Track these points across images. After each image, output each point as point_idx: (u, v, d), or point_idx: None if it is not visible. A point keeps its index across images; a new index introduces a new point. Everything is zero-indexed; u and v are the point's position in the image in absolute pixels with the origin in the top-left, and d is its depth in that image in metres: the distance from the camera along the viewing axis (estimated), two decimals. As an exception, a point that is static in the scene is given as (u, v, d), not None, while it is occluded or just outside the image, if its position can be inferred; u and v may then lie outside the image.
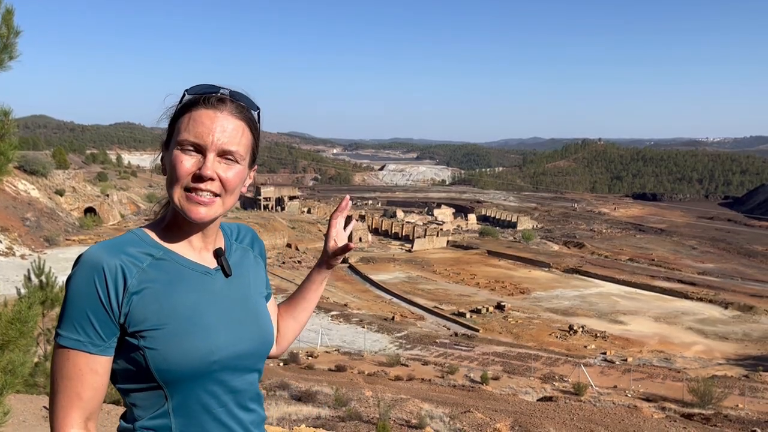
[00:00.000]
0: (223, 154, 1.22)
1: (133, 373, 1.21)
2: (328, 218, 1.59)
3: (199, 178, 1.19)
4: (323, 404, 14.81)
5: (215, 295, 1.28)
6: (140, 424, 1.22)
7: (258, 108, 1.31)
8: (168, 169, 1.23)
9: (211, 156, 1.20)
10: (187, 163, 1.20)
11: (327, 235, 1.56)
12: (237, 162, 1.24)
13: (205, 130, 1.20)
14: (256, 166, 1.35)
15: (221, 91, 1.25)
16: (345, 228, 1.58)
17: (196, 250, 1.30)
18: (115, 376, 1.24)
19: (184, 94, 1.26)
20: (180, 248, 1.29)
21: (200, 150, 1.20)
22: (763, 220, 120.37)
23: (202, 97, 1.23)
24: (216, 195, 1.22)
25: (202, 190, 1.20)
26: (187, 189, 1.20)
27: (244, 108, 1.27)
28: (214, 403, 1.25)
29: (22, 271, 8.62)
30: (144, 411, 1.22)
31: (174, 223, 1.28)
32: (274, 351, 1.53)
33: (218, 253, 1.33)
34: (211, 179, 1.20)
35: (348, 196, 1.60)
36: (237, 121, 1.24)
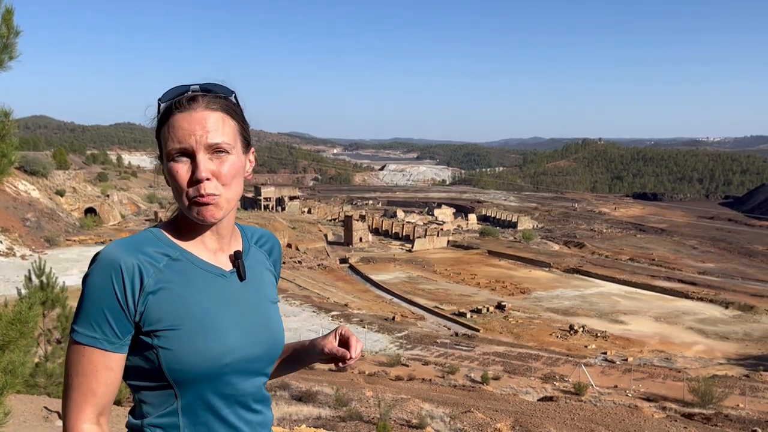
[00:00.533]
0: (212, 149, 1.21)
1: (145, 371, 1.22)
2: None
3: (196, 181, 1.19)
4: (324, 404, 14.82)
5: (229, 298, 1.29)
6: (148, 421, 1.24)
7: (233, 91, 1.29)
8: (169, 182, 1.24)
9: (200, 156, 1.20)
10: (182, 171, 1.20)
11: (333, 332, 1.46)
12: (228, 152, 1.23)
13: (185, 133, 1.19)
14: (253, 149, 1.33)
15: (191, 88, 1.24)
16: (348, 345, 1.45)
17: (210, 251, 1.31)
18: (127, 373, 1.25)
19: (159, 104, 1.25)
20: (195, 249, 1.29)
21: (189, 154, 1.20)
22: (763, 220, 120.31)
23: (173, 103, 1.22)
24: (218, 192, 1.22)
25: (203, 193, 1.20)
26: (191, 195, 1.21)
27: (219, 97, 1.25)
28: (222, 404, 1.26)
29: (22, 272, 8.63)
30: (153, 408, 1.24)
31: (187, 224, 1.29)
32: None
33: (236, 256, 1.34)
34: (207, 179, 1.20)
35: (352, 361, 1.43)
36: (214, 114, 1.22)
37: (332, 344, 1.43)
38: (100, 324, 1.17)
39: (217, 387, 1.24)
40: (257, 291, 1.36)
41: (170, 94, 1.24)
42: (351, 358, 1.41)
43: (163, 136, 1.22)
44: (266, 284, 1.41)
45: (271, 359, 1.35)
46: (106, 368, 1.18)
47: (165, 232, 1.29)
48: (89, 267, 1.21)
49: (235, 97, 1.30)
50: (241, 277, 1.32)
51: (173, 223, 1.32)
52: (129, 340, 1.20)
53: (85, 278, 1.20)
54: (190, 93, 1.23)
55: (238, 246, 1.37)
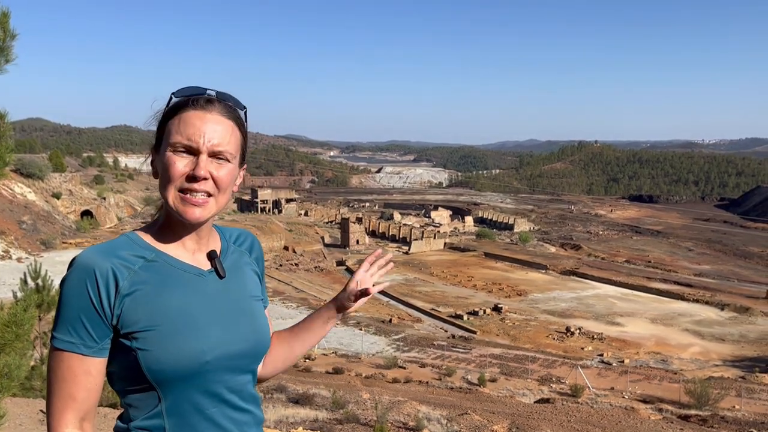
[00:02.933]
0: (215, 155, 1.24)
1: (127, 374, 1.22)
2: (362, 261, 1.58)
3: (192, 178, 1.22)
4: (321, 407, 14.81)
5: (208, 296, 1.29)
6: (135, 425, 1.24)
7: (244, 107, 1.34)
8: (161, 172, 1.25)
9: (203, 157, 1.22)
10: (180, 164, 1.22)
11: (353, 275, 1.54)
12: (228, 161, 1.26)
13: (196, 131, 1.22)
14: (245, 165, 1.37)
15: (208, 92, 1.27)
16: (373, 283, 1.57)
17: (189, 252, 1.32)
18: (112, 378, 1.25)
19: (170, 98, 1.27)
20: (173, 250, 1.30)
21: (192, 151, 1.23)
22: (758, 222, 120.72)
23: (190, 99, 1.25)
24: (209, 195, 1.25)
25: (196, 190, 1.23)
26: (182, 190, 1.23)
27: (232, 108, 1.30)
28: (207, 403, 1.26)
29: (18, 275, 8.61)
30: (139, 411, 1.24)
31: (167, 226, 1.30)
32: (260, 372, 1.48)
33: (211, 255, 1.34)
34: (205, 179, 1.22)
35: (391, 255, 1.62)
36: (226, 121, 1.26)
37: (356, 287, 1.52)
38: (76, 329, 1.18)
39: (200, 386, 1.24)
40: (238, 288, 1.37)
41: (187, 92, 1.27)
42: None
43: (171, 127, 1.24)
44: (248, 281, 1.41)
45: (256, 355, 1.35)
46: (84, 373, 1.19)
47: (142, 235, 1.30)
48: (66, 273, 1.21)
49: (245, 114, 1.34)
50: (220, 275, 1.33)
51: (152, 227, 1.33)
52: (108, 344, 1.21)
53: (61, 284, 1.21)
54: (207, 95, 1.27)
55: (217, 246, 1.38)
